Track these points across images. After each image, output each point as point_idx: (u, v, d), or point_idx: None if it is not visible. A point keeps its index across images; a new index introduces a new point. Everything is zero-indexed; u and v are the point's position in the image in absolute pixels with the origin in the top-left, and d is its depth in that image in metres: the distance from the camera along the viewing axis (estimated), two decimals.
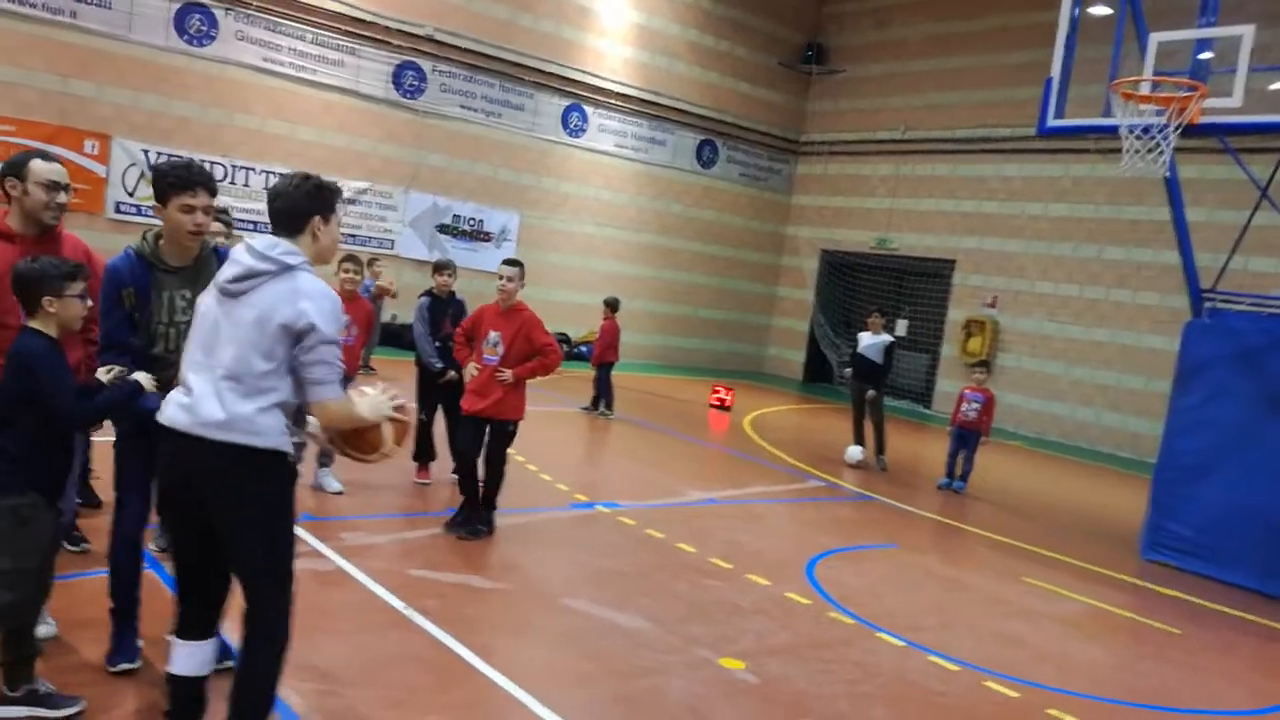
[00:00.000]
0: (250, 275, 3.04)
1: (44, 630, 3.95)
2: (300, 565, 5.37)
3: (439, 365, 7.50)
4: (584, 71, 19.46)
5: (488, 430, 6.49)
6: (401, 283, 14.76)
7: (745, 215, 22.98)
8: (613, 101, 20.01)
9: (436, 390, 7.66)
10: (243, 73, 15.58)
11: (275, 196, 3.18)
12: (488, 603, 5.42)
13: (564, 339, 18.41)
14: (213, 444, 2.96)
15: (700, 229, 22.14)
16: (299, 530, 5.97)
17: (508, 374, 6.40)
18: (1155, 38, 8.04)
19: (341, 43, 16.42)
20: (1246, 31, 7.61)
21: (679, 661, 4.89)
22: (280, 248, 3.09)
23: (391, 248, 17.23)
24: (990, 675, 5.29)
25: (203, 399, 2.99)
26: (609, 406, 12.88)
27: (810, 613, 5.93)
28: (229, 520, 3.04)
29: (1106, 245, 17.43)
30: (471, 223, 18.30)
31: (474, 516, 6.55)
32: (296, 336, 2.99)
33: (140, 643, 3.96)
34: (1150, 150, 7.43)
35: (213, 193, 3.75)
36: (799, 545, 7.58)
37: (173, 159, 4.11)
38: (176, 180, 3.65)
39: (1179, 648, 6.39)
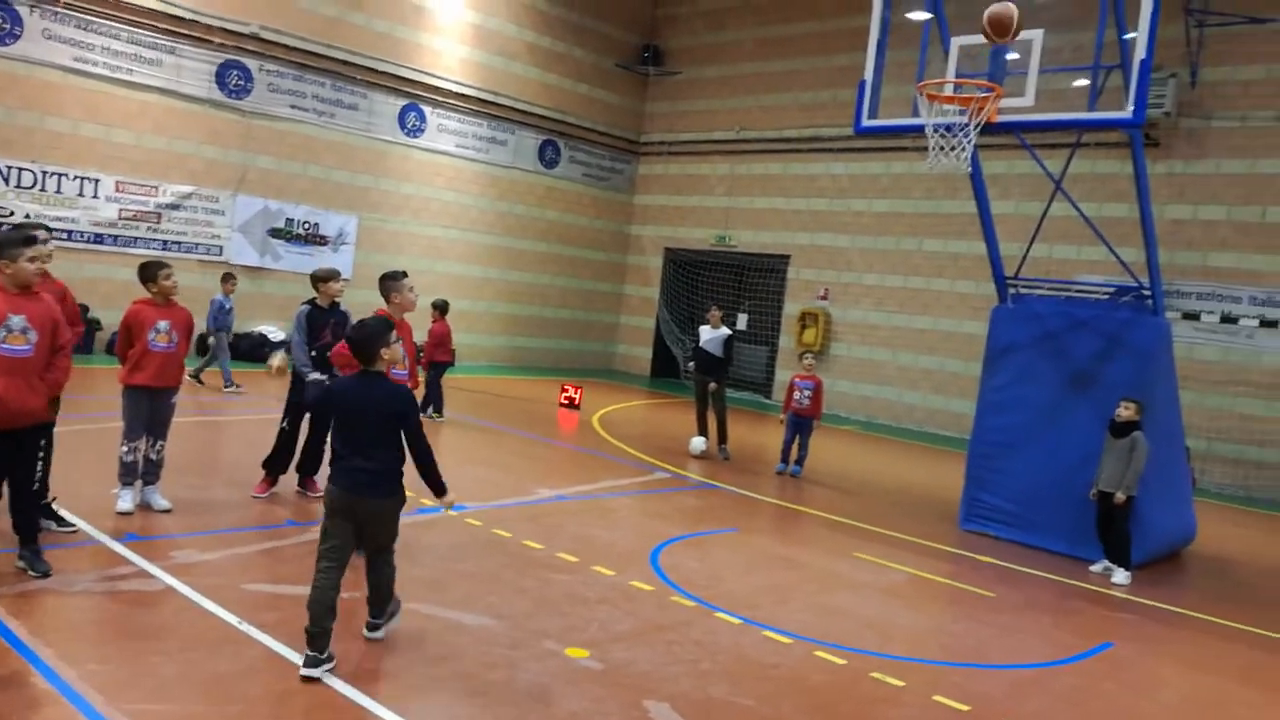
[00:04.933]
0: None
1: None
2: (126, 586, 5.25)
3: (313, 375, 7.34)
4: (420, 71, 19.20)
5: None
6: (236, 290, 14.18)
7: (589, 215, 23.17)
8: (451, 101, 19.82)
9: (293, 401, 7.54)
10: (52, 73, 14.66)
11: None
12: None
13: None
14: None
15: (545, 229, 22.19)
16: (124, 551, 5.77)
17: (410, 386, 6.35)
18: (956, 41, 8.62)
19: (159, 41, 15.66)
20: (1036, 36, 8.25)
21: (525, 655, 4.97)
22: None
23: (220, 254, 16.56)
24: (820, 645, 5.60)
25: None
26: (438, 410, 12.76)
27: (653, 598, 6.12)
28: None
29: (926, 238, 18.49)
30: (306, 226, 17.78)
31: None
32: None
33: None
34: (953, 148, 7.98)
35: None
36: (644, 535, 7.78)
37: None
38: None
39: (991, 609, 6.91)
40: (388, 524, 4.88)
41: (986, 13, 7.72)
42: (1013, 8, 7.59)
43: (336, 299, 7.66)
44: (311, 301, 7.60)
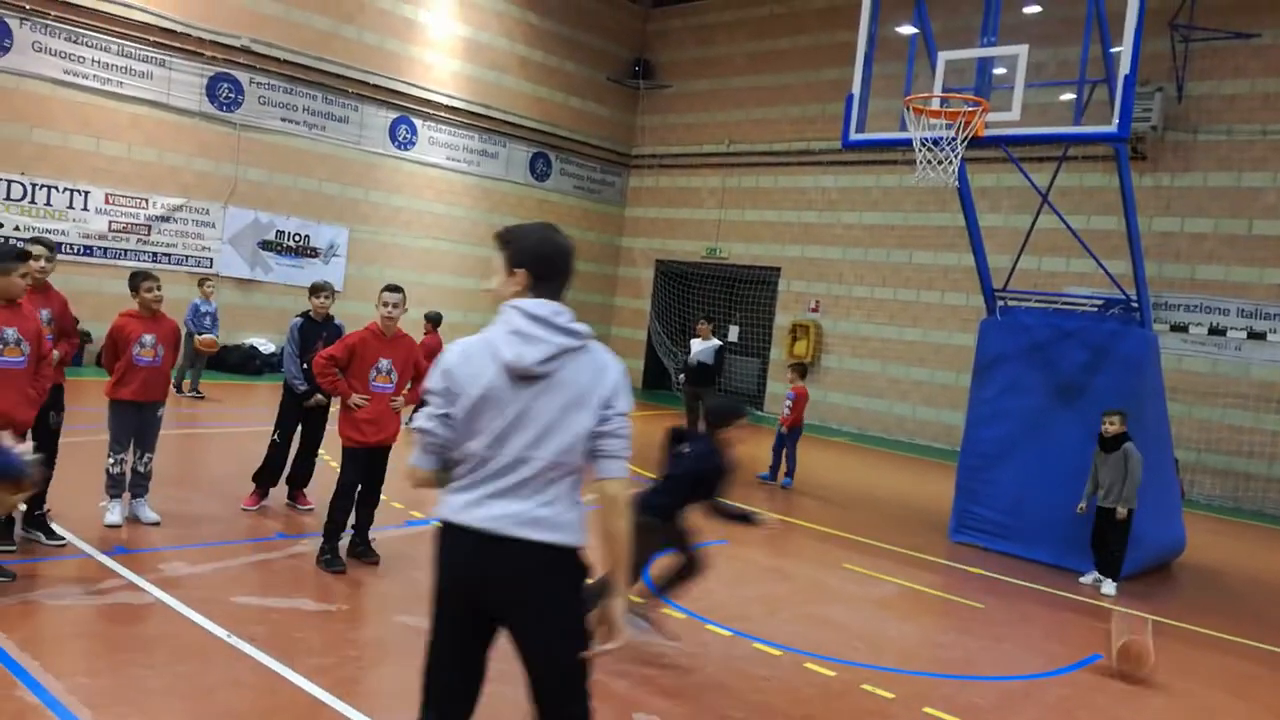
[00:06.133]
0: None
1: None
2: (114, 599, 5.24)
3: (304, 387, 7.35)
4: (411, 84, 19.23)
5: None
6: (220, 302, 14.20)
7: (581, 227, 23.19)
8: (442, 114, 19.85)
9: (298, 413, 7.53)
10: (42, 85, 14.65)
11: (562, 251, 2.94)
12: (318, 625, 5.34)
13: None
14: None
15: None
16: (112, 563, 5.75)
17: (401, 401, 6.50)
18: (943, 56, 8.68)
19: (150, 54, 15.66)
20: (1021, 51, 8.32)
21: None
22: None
23: (210, 266, 16.53)
24: (810, 657, 5.60)
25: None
26: None
27: (643, 610, 6.10)
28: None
29: (916, 250, 18.56)
30: (297, 238, 17.76)
31: (365, 545, 6.55)
32: None
33: None
34: (940, 162, 8.02)
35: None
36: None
37: None
38: None
39: (981, 621, 6.92)
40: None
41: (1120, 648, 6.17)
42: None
43: (327, 312, 7.66)
44: (305, 314, 7.61)
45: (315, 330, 7.47)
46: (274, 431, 7.63)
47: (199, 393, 13.32)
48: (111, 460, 6.62)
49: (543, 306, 2.79)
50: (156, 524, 6.74)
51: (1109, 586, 8.03)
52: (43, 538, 6.02)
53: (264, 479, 7.64)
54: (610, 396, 2.79)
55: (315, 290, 7.66)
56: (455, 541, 2.77)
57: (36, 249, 5.99)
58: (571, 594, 2.81)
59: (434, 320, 13.02)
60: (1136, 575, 8.53)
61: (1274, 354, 14.58)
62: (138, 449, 6.73)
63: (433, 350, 12.72)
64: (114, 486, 6.65)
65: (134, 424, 6.64)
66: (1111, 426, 8.05)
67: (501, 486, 2.73)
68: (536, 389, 2.73)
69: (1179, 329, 15.19)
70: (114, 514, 6.62)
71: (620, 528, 2.81)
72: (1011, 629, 6.81)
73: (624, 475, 2.81)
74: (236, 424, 11.89)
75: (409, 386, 6.62)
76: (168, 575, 5.73)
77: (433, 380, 2.83)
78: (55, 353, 5.95)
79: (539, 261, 2.88)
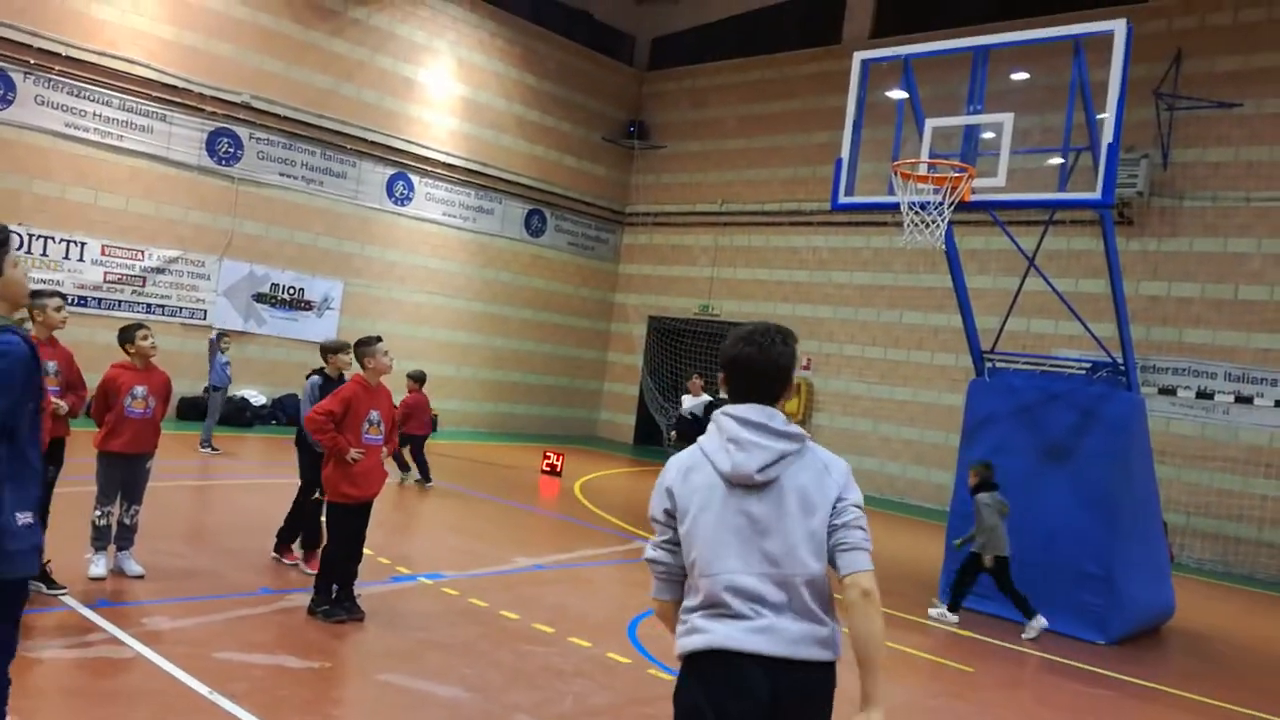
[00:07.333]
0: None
1: None
2: (96, 652, 5.19)
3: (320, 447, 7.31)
4: (409, 141, 19.50)
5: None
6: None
7: (574, 283, 23.38)
8: (440, 171, 20.10)
9: (319, 472, 7.49)
10: (43, 138, 14.83)
11: None
12: (301, 683, 5.29)
13: None
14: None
15: (530, 296, 22.36)
16: (95, 617, 5.70)
17: (385, 452, 6.61)
18: (930, 123, 8.86)
19: (151, 109, 15.89)
20: (1007, 119, 8.50)
21: None
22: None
23: (204, 318, 16.60)
24: None
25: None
26: (426, 477, 12.68)
27: (631, 671, 6.07)
28: None
29: (906, 310, 18.72)
30: (291, 291, 17.86)
31: (351, 600, 6.49)
32: None
33: None
34: (928, 225, 8.15)
35: None
36: (623, 606, 7.72)
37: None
38: None
39: (970, 685, 6.88)
40: None
41: None
42: None
43: (344, 370, 7.67)
44: (321, 372, 7.61)
45: (333, 388, 7.43)
46: (315, 490, 7.41)
47: (214, 447, 13.34)
48: (98, 513, 6.60)
49: (755, 412, 2.66)
50: (141, 577, 6.70)
51: (1032, 628, 8.24)
52: (44, 588, 5.99)
53: (312, 541, 7.56)
54: (840, 490, 2.63)
55: (337, 349, 7.64)
56: (738, 671, 2.52)
57: (54, 301, 6.05)
58: (830, 709, 2.65)
59: (418, 379, 12.81)
60: (1126, 639, 8.49)
61: (1262, 418, 14.66)
62: (125, 501, 6.71)
63: (411, 408, 12.47)
64: (99, 539, 6.62)
65: (121, 476, 6.63)
66: (970, 479, 8.55)
67: (769, 607, 2.54)
68: (762, 498, 2.59)
69: (1167, 392, 15.30)
70: (98, 566, 6.58)
71: (877, 628, 2.54)
72: (1000, 693, 6.76)
73: (871, 567, 2.56)
74: (226, 476, 11.86)
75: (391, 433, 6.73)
76: (150, 629, 5.69)
77: (654, 505, 2.72)
78: (62, 404, 5.97)
79: (731, 366, 2.79)
